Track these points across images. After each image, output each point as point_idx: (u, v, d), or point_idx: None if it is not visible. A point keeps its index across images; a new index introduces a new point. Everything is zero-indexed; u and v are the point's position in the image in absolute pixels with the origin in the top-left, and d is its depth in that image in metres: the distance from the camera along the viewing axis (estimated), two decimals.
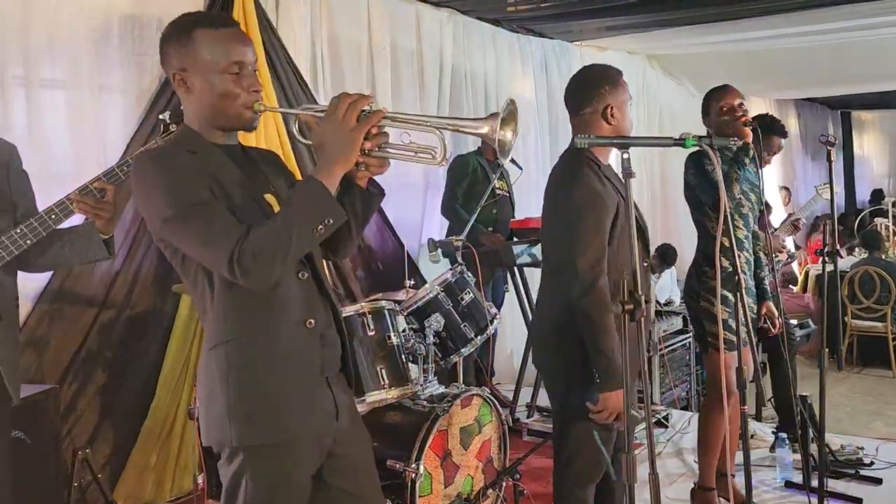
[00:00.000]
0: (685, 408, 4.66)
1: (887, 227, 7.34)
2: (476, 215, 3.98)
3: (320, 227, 1.49)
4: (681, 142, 1.65)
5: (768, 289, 3.09)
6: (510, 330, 4.97)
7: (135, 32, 3.32)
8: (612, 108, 2.23)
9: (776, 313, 3.12)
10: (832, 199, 2.67)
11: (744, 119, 2.81)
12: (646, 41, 6.60)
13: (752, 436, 3.76)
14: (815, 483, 3.15)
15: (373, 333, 2.48)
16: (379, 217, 4.25)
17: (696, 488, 3.09)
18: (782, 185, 9.27)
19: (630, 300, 1.62)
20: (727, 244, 2.90)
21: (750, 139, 2.76)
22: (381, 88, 4.40)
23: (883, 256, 6.59)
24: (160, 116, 2.37)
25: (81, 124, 3.17)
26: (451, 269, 3.00)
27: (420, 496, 2.55)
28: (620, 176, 1.70)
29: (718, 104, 2.99)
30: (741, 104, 2.95)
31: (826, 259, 2.62)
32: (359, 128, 1.51)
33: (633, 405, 2.19)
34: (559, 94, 5.94)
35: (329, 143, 1.52)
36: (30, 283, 2.91)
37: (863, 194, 12.43)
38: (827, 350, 2.80)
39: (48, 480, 2.60)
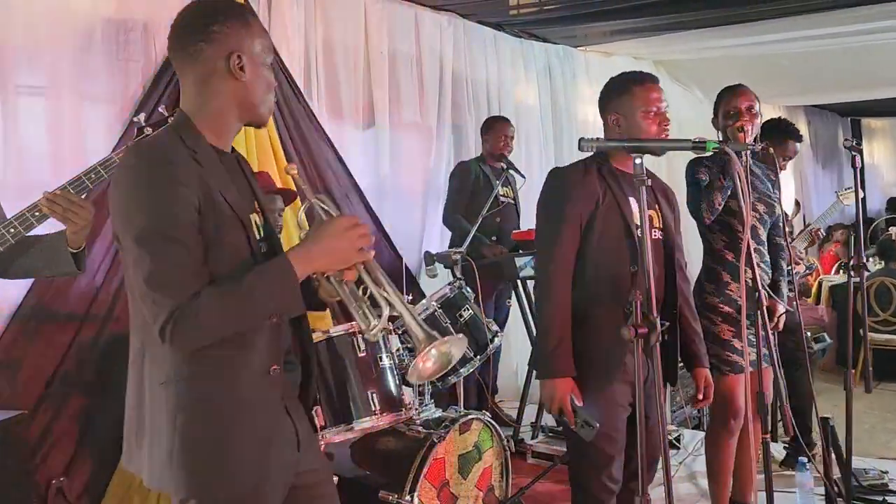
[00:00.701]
0: (697, 427, 4.46)
1: None
2: (478, 225, 3.81)
3: (275, 318, 1.45)
4: (701, 145, 1.47)
5: (783, 292, 2.88)
6: (514, 345, 4.78)
7: (119, 37, 3.17)
8: (616, 117, 2.19)
9: (779, 312, 2.88)
10: (857, 207, 2.49)
11: (738, 124, 2.64)
12: (652, 46, 6.45)
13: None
14: None
15: (363, 355, 2.31)
16: (374, 227, 4.08)
17: None
18: (794, 197, 9.06)
19: (644, 323, 1.45)
20: (730, 258, 2.75)
21: (740, 143, 2.61)
22: (379, 95, 4.25)
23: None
24: (134, 119, 2.22)
25: (62, 132, 3.02)
26: (449, 285, 2.84)
27: None
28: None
29: (725, 106, 2.83)
30: (750, 107, 2.77)
31: (852, 273, 2.43)
32: (355, 253, 1.47)
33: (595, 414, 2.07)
34: (563, 100, 5.81)
35: (325, 241, 1.47)
36: (4, 301, 2.77)
37: (874, 203, 12.21)
38: (853, 371, 2.60)
39: None
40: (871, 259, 7.33)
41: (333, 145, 3.96)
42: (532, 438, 3.93)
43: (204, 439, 1.43)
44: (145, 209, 1.38)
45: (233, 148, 1.60)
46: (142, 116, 2.16)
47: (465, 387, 3.94)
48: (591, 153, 2.11)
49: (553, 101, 5.62)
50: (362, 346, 2.32)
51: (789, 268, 3.08)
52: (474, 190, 4.18)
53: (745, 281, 2.64)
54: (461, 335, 1.47)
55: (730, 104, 2.80)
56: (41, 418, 2.81)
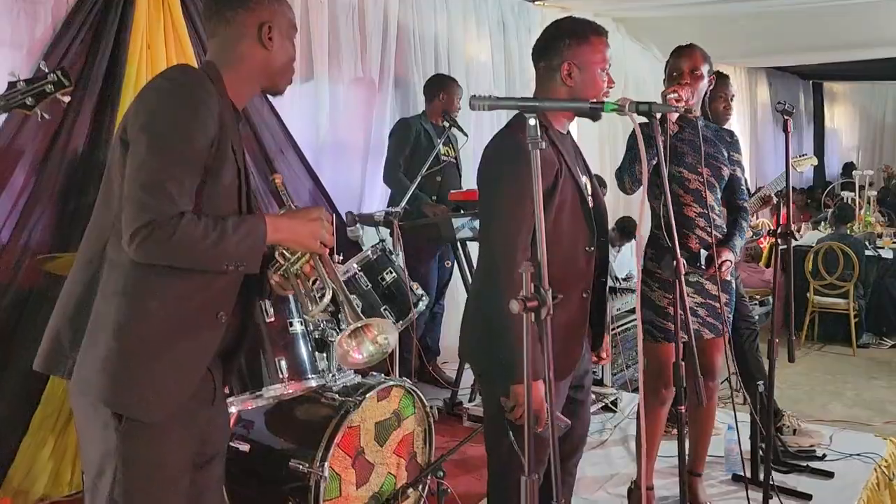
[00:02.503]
0: (636, 390, 4.46)
1: (853, 201, 7.18)
2: (417, 183, 3.69)
3: (232, 266, 1.51)
4: (599, 106, 1.37)
5: (735, 243, 2.70)
6: (457, 307, 4.71)
7: None
8: (571, 66, 1.95)
9: (724, 257, 2.66)
10: (787, 174, 2.41)
11: (668, 90, 2.52)
12: (612, 2, 6.32)
13: None
14: (778, 478, 3.00)
15: (272, 320, 2.20)
16: (311, 182, 3.95)
17: (633, 487, 2.88)
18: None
19: (535, 297, 1.36)
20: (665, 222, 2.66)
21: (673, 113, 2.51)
22: (318, 49, 4.06)
23: (848, 231, 6.44)
24: (41, 65, 2.12)
25: None
26: (372, 247, 2.72)
27: (325, 500, 2.29)
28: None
29: (669, 68, 2.72)
30: (694, 69, 2.65)
31: (779, 240, 2.37)
32: (314, 243, 1.60)
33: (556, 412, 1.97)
34: (517, 57, 5.63)
35: (296, 221, 1.61)
36: None
37: (833, 167, 12.32)
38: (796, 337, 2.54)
39: None
40: (822, 223, 7.40)
41: (268, 99, 3.78)
42: (469, 401, 3.88)
43: (139, 355, 1.47)
44: (172, 122, 1.46)
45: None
46: (43, 63, 2.10)
47: (407, 348, 3.89)
48: (516, 112, 1.97)
49: (507, 59, 5.45)
50: (271, 312, 2.21)
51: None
52: (415, 148, 4.05)
53: (665, 248, 2.60)
54: (390, 321, 1.46)
55: (674, 65, 2.68)
56: None
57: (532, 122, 1.33)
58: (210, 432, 1.67)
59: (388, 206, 3.97)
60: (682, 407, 2.07)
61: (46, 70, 2.08)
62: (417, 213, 3.83)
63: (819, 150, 11.91)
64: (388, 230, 3.27)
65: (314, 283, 1.65)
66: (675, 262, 1.94)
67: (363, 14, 4.31)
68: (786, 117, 2.31)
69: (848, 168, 11.05)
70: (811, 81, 11.55)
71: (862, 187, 7.51)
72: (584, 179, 2.05)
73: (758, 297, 6.54)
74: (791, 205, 3.26)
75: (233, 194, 1.57)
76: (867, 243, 6.46)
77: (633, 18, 6.65)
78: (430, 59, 4.78)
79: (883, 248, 6.59)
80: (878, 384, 5.51)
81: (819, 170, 11.78)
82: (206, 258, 1.47)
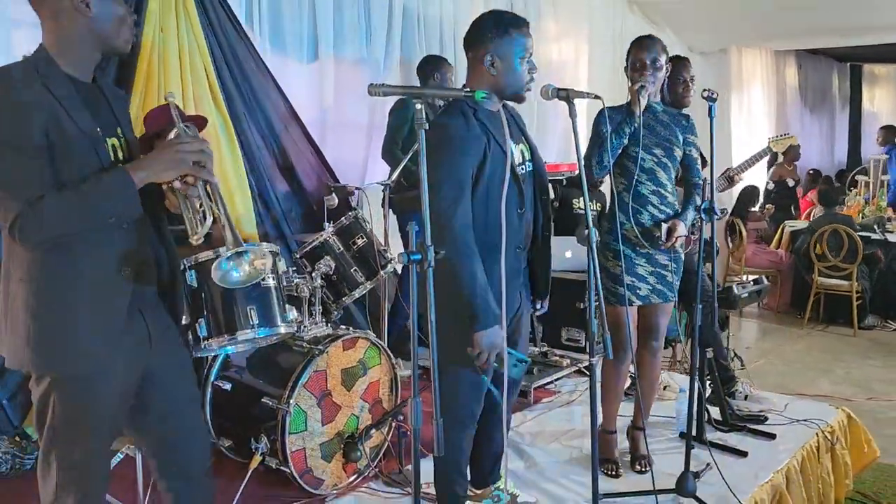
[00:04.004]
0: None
1: (867, 185, 7.21)
2: (409, 157, 3.97)
3: (113, 217, 1.66)
4: (471, 94, 1.64)
5: (687, 215, 2.92)
6: None
7: None
8: (493, 57, 2.23)
9: (678, 231, 2.85)
10: (711, 152, 2.63)
11: (634, 85, 2.77)
12: None
13: (665, 387, 3.81)
14: (720, 437, 3.24)
15: None
16: (315, 157, 4.27)
17: (599, 431, 3.15)
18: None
19: (419, 251, 1.66)
20: (626, 199, 2.90)
21: (640, 105, 2.75)
22: (323, 32, 4.36)
23: (837, 210, 6.54)
24: None
25: None
26: (346, 215, 3.04)
27: (291, 433, 2.64)
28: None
29: (630, 58, 2.94)
30: (654, 60, 2.87)
31: (703, 216, 2.60)
32: (182, 167, 1.69)
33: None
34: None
35: (157, 152, 1.70)
36: None
37: (869, 151, 12.13)
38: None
39: None
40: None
41: (274, 78, 4.10)
42: None
43: (56, 325, 1.67)
44: None
45: (94, 78, 1.80)
46: None
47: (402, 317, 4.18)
48: (461, 97, 2.23)
49: None
50: None
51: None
52: (413, 126, 4.32)
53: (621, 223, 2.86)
54: (266, 248, 1.67)
55: (635, 56, 2.90)
56: None
57: (418, 106, 1.61)
58: (152, 369, 1.85)
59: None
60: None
61: None
62: (411, 185, 4.11)
63: (854, 133, 11.77)
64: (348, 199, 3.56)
65: (200, 206, 1.76)
66: (586, 233, 2.22)
67: None
68: (710, 103, 2.54)
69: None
70: (848, 64, 11.39)
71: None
72: (518, 148, 2.32)
73: (765, 276, 6.67)
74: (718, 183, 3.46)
75: (92, 163, 1.67)
76: (875, 227, 6.52)
77: (646, 1, 6.76)
78: (436, 41, 5.03)
79: (892, 231, 6.63)
80: (872, 363, 5.61)
81: (854, 153, 11.65)
82: (84, 220, 1.63)
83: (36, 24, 1.70)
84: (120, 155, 1.78)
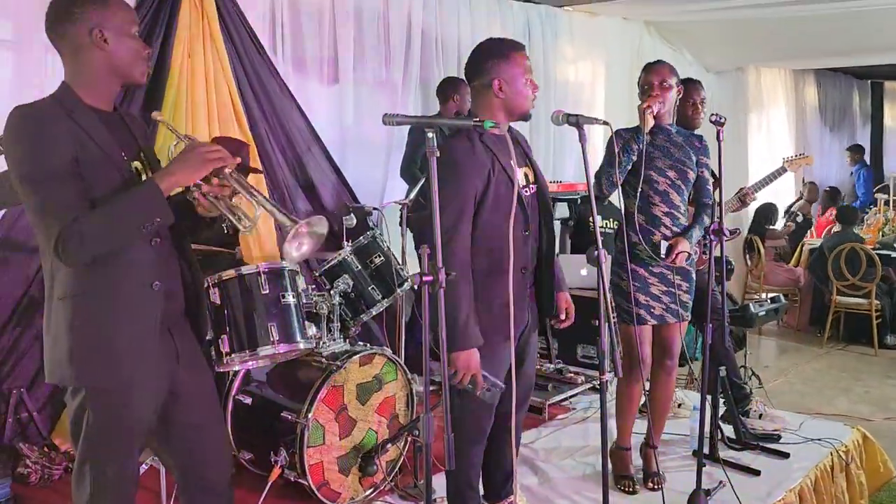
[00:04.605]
0: None
1: (888, 203, 7.18)
2: (426, 177, 4.05)
3: (147, 224, 1.75)
4: (480, 123, 1.72)
5: (692, 234, 2.97)
6: None
7: None
8: (500, 81, 2.33)
9: (680, 248, 2.92)
10: (720, 170, 2.69)
11: (643, 105, 2.84)
12: (641, 6, 6.45)
13: (679, 405, 3.84)
14: (734, 455, 3.26)
15: (266, 292, 2.63)
16: (336, 177, 4.36)
17: (614, 448, 3.19)
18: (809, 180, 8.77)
19: (431, 272, 1.73)
20: (640, 221, 2.96)
21: (646, 123, 2.82)
22: (343, 55, 4.47)
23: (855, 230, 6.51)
24: None
25: (31, 83, 3.33)
26: (365, 234, 3.13)
27: (310, 446, 2.72)
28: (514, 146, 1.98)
29: (640, 82, 3.02)
30: (662, 82, 2.95)
31: (711, 237, 2.65)
32: (206, 162, 1.79)
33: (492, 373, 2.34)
34: (542, 62, 5.88)
35: (179, 158, 1.81)
36: None
37: (891, 167, 12.05)
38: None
39: None
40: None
41: (296, 100, 4.21)
42: None
43: (93, 338, 1.78)
44: (21, 156, 1.73)
45: (115, 107, 1.92)
46: None
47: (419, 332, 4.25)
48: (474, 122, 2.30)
49: (534, 66, 5.68)
50: (265, 286, 2.64)
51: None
52: None
53: (634, 242, 2.92)
54: (320, 216, 1.82)
55: (645, 80, 3.00)
56: (9, 336, 3.22)
57: (430, 134, 1.70)
58: (179, 384, 1.94)
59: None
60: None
61: None
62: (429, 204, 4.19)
63: (877, 151, 11.70)
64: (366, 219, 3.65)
65: (232, 196, 1.85)
66: (596, 253, 2.28)
67: (388, 22, 4.69)
68: (718, 128, 2.60)
69: None
70: (869, 81, 11.35)
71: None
72: (521, 171, 2.40)
73: (783, 294, 6.66)
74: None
75: (116, 177, 1.78)
76: (895, 245, 6.50)
77: (661, 22, 6.80)
78: (454, 62, 5.11)
79: None
80: (892, 383, 5.56)
81: (877, 170, 11.56)
82: (119, 230, 1.74)
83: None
84: (143, 176, 1.89)
